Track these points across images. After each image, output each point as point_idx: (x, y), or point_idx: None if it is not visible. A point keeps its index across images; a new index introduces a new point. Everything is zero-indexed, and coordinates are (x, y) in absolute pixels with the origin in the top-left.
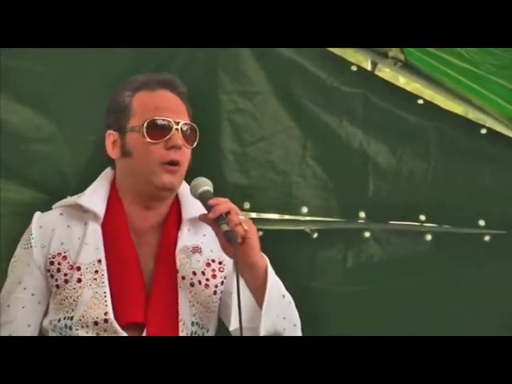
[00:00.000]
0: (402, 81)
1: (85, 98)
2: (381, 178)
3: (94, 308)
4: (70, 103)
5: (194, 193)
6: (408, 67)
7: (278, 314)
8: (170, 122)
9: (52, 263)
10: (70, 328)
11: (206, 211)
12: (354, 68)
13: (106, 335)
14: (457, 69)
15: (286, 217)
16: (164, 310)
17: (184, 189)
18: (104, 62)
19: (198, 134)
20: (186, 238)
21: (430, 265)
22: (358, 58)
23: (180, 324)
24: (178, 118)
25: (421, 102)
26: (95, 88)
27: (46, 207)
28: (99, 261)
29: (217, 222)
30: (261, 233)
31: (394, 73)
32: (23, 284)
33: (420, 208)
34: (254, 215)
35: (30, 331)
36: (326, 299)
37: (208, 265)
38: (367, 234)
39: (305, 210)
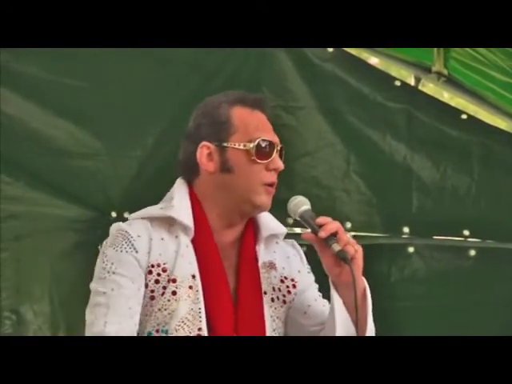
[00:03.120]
0: (446, 96)
1: (129, 114)
2: (424, 193)
3: (187, 324)
4: (114, 119)
5: (293, 211)
6: (451, 82)
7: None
8: (274, 144)
9: (151, 272)
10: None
11: (283, 228)
12: (397, 83)
13: None
14: (501, 84)
15: None
16: (252, 325)
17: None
18: (148, 78)
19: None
20: (264, 254)
21: (473, 280)
22: (402, 73)
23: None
24: (276, 140)
25: (464, 116)
26: (140, 103)
27: (90, 223)
28: (193, 276)
29: (326, 241)
30: (304, 248)
31: (438, 88)
32: (136, 283)
33: (464, 223)
34: (297, 231)
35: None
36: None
37: (282, 281)
38: (411, 249)
39: (348, 225)
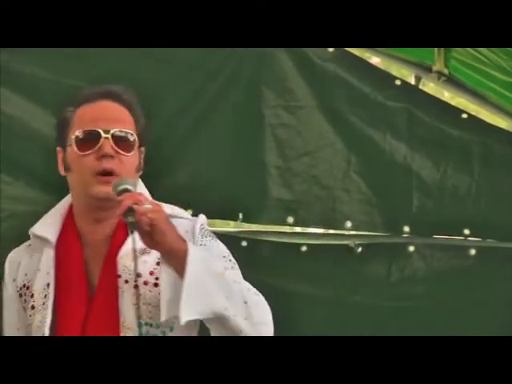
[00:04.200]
0: (447, 95)
1: None
2: (425, 193)
3: (38, 332)
4: None
5: (114, 192)
6: (452, 82)
7: (211, 293)
8: (97, 131)
9: (21, 295)
10: None
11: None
12: (398, 82)
13: None
14: (502, 83)
15: (330, 231)
16: (103, 318)
17: None
18: (148, 78)
19: (136, 140)
20: (137, 242)
21: (474, 279)
22: (402, 72)
23: (122, 326)
24: (112, 126)
25: (465, 116)
26: (140, 103)
27: None
28: (48, 285)
29: (124, 217)
30: (305, 247)
31: (438, 87)
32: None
33: (464, 222)
34: (298, 229)
35: None
36: (370, 313)
37: (158, 264)
38: (411, 249)
39: (349, 224)
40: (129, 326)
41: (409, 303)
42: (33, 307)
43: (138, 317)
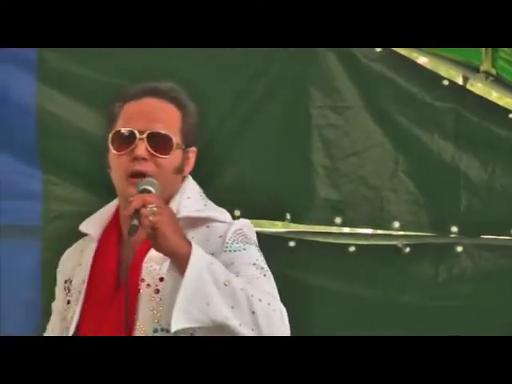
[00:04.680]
0: (495, 95)
1: None
2: (473, 193)
3: (67, 326)
4: None
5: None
6: (500, 82)
7: (211, 300)
8: (132, 132)
9: (65, 288)
10: None
11: (204, 213)
12: (445, 82)
13: None
14: None
15: (378, 232)
16: (119, 320)
17: (177, 196)
18: (194, 77)
19: (174, 141)
20: None
21: None
22: (450, 72)
23: (137, 330)
24: (150, 127)
25: None
26: None
27: None
28: (83, 281)
29: (131, 219)
30: (353, 248)
31: (486, 87)
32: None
33: None
34: (345, 230)
35: None
36: (418, 313)
37: None
38: (459, 249)
39: (396, 224)
40: (144, 329)
41: (456, 303)
42: (68, 302)
43: (155, 322)
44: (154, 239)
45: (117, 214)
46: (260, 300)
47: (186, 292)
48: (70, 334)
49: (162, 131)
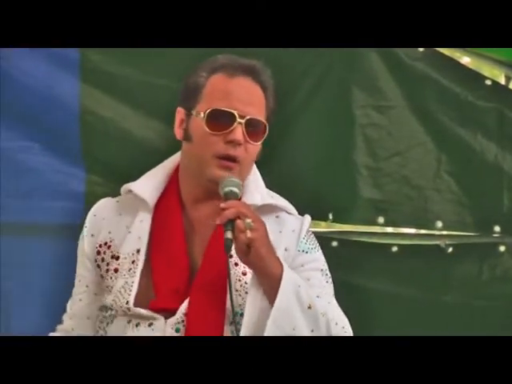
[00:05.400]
0: None
1: None
2: None
3: (119, 297)
4: None
5: (220, 188)
6: None
7: (296, 327)
8: (233, 114)
9: (99, 253)
10: (105, 317)
11: (268, 200)
12: (488, 82)
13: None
14: None
15: (421, 231)
16: (208, 298)
17: (249, 183)
18: None
19: (267, 131)
20: None
21: None
22: (493, 72)
23: (227, 313)
24: (247, 111)
25: None
26: None
27: None
28: (138, 250)
29: (224, 228)
30: (395, 248)
31: None
32: (78, 277)
33: None
34: (388, 230)
35: (90, 324)
36: (461, 313)
37: None
38: (502, 248)
39: (439, 224)
40: (229, 310)
41: (500, 302)
42: (116, 270)
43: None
44: (246, 255)
45: (175, 178)
46: (336, 324)
47: (275, 318)
48: (130, 306)
49: (260, 118)
